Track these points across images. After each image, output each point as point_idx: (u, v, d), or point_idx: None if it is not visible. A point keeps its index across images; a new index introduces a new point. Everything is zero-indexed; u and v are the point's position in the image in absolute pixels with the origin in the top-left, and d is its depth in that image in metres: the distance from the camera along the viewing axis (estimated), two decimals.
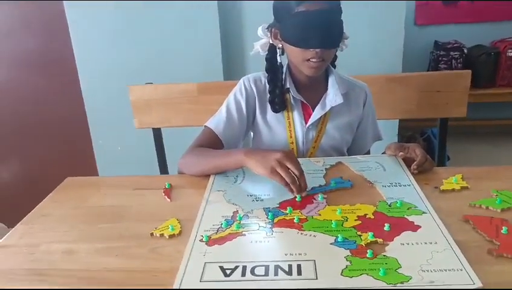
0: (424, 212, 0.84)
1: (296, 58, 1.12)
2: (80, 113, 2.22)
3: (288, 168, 0.93)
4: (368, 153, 1.34)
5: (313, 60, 1.09)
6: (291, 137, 1.22)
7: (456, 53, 3.13)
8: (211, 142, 1.17)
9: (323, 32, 1.06)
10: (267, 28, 1.18)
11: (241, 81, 1.25)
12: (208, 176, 1.07)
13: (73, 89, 2.19)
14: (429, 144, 2.81)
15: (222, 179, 1.05)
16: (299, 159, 0.97)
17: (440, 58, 3.17)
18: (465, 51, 3.14)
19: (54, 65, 2.27)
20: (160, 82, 1.66)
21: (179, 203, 0.98)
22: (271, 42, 1.18)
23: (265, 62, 1.21)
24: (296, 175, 0.92)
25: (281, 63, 1.19)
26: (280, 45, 1.16)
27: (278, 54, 1.18)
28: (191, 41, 2.08)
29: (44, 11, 2.16)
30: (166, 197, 1.00)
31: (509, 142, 3.24)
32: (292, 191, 0.93)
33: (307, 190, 0.95)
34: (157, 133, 1.68)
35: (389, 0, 1.95)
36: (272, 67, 1.20)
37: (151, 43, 2.08)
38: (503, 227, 0.77)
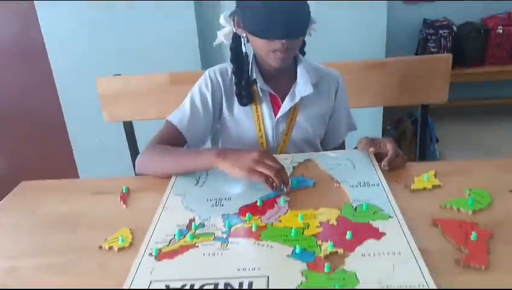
0: (390, 217, 0.79)
1: (261, 49, 1.05)
2: (55, 108, 2.15)
3: (268, 165, 0.88)
4: (343, 144, 1.28)
5: (279, 51, 1.02)
6: (260, 131, 1.15)
7: (445, 31, 3.03)
8: (174, 138, 1.10)
9: (288, 21, 0.99)
10: (230, 16, 1.10)
11: (206, 73, 1.18)
12: (170, 177, 1.01)
13: (47, 82, 2.11)
14: (417, 126, 2.74)
15: (183, 180, 0.99)
16: None
17: (429, 37, 3.07)
18: (455, 28, 3.05)
19: (26, 57, 2.19)
20: (138, 73, 1.58)
21: (135, 209, 0.92)
22: (234, 31, 1.11)
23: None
24: (277, 170, 0.88)
25: (246, 52, 1.11)
26: (244, 34, 1.09)
27: (243, 43, 1.11)
28: (167, 32, 2.00)
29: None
30: (122, 203, 0.94)
31: (499, 122, 3.17)
32: (273, 187, 0.88)
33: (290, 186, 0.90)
34: (128, 127, 1.61)
35: None
36: (237, 58, 1.12)
37: (126, 33, 2.00)
38: (472, 233, 0.72)
